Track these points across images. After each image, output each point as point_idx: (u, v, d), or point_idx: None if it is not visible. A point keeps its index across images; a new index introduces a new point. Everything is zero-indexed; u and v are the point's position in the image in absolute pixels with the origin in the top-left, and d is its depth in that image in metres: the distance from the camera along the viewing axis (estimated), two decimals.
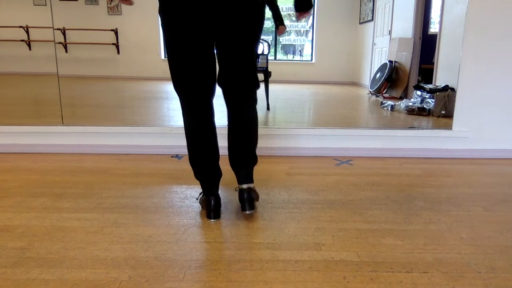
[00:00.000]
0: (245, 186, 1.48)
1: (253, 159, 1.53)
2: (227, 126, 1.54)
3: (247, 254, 1.22)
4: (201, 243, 1.29)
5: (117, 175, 1.98)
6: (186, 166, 2.16)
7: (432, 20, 3.59)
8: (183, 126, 1.48)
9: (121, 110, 3.69)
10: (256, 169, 2.11)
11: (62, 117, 2.56)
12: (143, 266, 1.14)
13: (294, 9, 1.60)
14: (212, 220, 1.47)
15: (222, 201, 1.65)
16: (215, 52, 1.43)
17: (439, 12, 3.17)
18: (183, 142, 2.42)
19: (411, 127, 2.63)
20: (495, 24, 2.30)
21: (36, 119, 3.16)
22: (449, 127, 2.47)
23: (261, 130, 2.31)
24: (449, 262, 1.19)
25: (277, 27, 3.11)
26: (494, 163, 2.32)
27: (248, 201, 1.46)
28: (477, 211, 1.60)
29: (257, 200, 1.59)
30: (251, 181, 1.51)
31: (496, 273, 1.14)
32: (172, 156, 2.35)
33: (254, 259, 1.19)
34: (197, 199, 1.68)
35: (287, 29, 4.58)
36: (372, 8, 4.38)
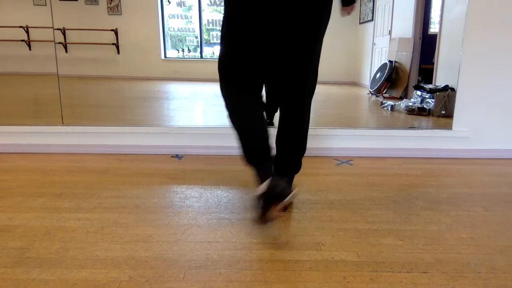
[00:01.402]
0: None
1: (298, 168, 1.53)
2: (277, 128, 1.47)
3: (247, 254, 1.22)
4: (201, 243, 1.29)
5: (117, 175, 1.98)
6: (186, 166, 2.16)
7: (432, 20, 3.59)
8: (229, 118, 1.38)
9: (121, 110, 3.69)
10: None
11: (62, 117, 2.56)
12: (143, 266, 1.14)
13: (340, 4, 1.56)
14: (288, 198, 1.24)
15: (222, 202, 1.65)
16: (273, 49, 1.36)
17: (439, 12, 3.17)
18: (183, 142, 2.44)
19: (411, 127, 2.63)
20: (495, 24, 2.30)
21: (36, 119, 3.16)
22: (449, 127, 2.47)
23: None
24: (449, 262, 1.19)
25: (343, 5, 2.88)
26: (494, 163, 2.32)
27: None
28: (477, 211, 1.60)
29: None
30: (290, 190, 1.38)
31: (496, 273, 1.14)
32: (172, 156, 2.35)
33: (254, 259, 1.19)
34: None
35: None
36: (372, 8, 4.38)
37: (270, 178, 1.25)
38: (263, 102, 1.42)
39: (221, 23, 1.35)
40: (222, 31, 1.34)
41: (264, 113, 1.40)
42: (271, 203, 1.21)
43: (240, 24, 1.29)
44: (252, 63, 1.34)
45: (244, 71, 1.34)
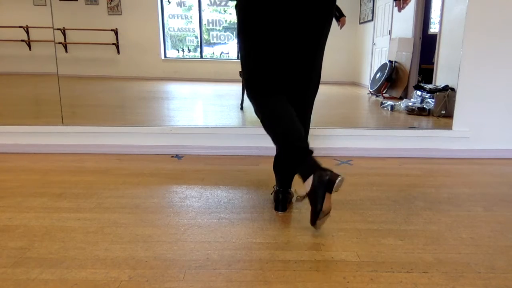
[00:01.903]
0: (281, 190, 1.56)
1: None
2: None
3: (247, 254, 1.22)
4: (201, 243, 1.29)
5: (117, 175, 1.98)
6: (186, 166, 2.16)
7: (432, 20, 3.59)
8: (262, 125, 1.41)
9: (121, 110, 3.69)
10: (257, 169, 2.11)
11: (62, 117, 2.56)
12: (143, 266, 1.14)
13: None
14: (338, 181, 1.24)
15: (222, 202, 1.65)
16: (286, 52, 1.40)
17: (439, 12, 3.17)
18: (183, 142, 2.44)
19: (411, 127, 2.63)
20: (495, 24, 2.30)
21: (36, 119, 3.16)
22: (449, 127, 2.47)
23: (261, 130, 2.31)
24: (449, 262, 1.19)
25: (337, 19, 2.96)
26: (494, 163, 2.32)
27: (281, 202, 1.55)
28: (477, 211, 1.60)
29: (290, 202, 1.63)
30: (289, 186, 1.59)
31: (496, 273, 1.14)
32: (172, 156, 2.35)
33: (254, 259, 1.19)
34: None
35: None
36: (372, 8, 4.37)
37: (314, 172, 1.25)
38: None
39: (237, 38, 1.40)
40: (242, 47, 1.39)
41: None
42: (325, 192, 1.24)
43: (258, 37, 1.34)
44: (275, 70, 1.39)
45: (269, 79, 1.39)
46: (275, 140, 1.39)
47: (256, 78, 1.41)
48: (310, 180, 1.26)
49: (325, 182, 1.23)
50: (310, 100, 1.51)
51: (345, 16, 2.93)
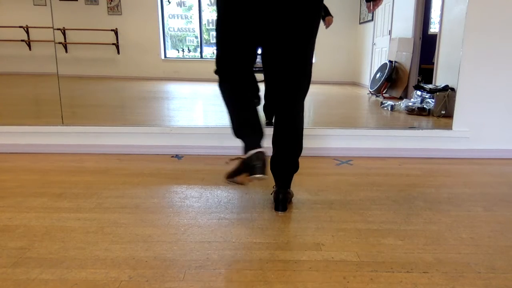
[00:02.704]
0: (281, 191, 1.56)
1: (295, 168, 1.57)
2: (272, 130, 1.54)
3: (247, 254, 1.22)
4: (201, 243, 1.29)
5: (117, 175, 1.98)
6: (186, 166, 2.16)
7: (432, 20, 3.59)
8: (222, 97, 1.46)
9: (121, 110, 3.69)
10: None
11: (62, 117, 2.56)
12: (143, 266, 1.14)
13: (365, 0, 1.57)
14: (260, 176, 1.34)
15: (222, 202, 1.65)
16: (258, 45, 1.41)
17: (439, 12, 3.17)
18: (183, 142, 2.44)
19: (411, 127, 2.63)
20: (495, 24, 2.30)
21: (36, 119, 3.16)
22: (449, 127, 2.47)
23: None
24: (449, 262, 1.19)
25: (323, 19, 2.96)
26: (494, 163, 2.32)
27: (281, 202, 1.56)
28: (477, 211, 1.60)
29: (290, 201, 1.64)
30: (288, 186, 1.59)
31: (496, 273, 1.14)
32: (172, 156, 2.35)
33: (254, 259, 1.19)
34: (227, 162, 1.53)
35: None
36: None
37: (254, 151, 1.36)
38: (254, 96, 1.48)
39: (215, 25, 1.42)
40: (216, 32, 1.42)
41: (259, 108, 1.51)
42: (244, 171, 1.38)
43: (231, 27, 1.36)
44: (242, 58, 1.41)
45: (236, 65, 1.42)
46: (228, 114, 1.47)
47: (223, 61, 1.43)
48: (247, 154, 1.37)
49: (250, 166, 1.35)
50: (299, 101, 1.51)
51: (331, 16, 3.00)
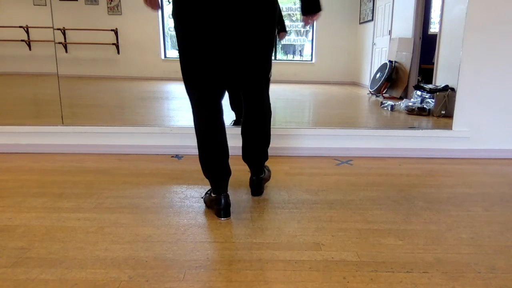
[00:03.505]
0: (254, 177, 1.71)
1: (264, 157, 1.68)
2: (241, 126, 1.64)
3: (247, 254, 1.22)
4: (201, 243, 1.29)
5: (117, 175, 1.98)
6: (186, 166, 2.16)
7: (432, 20, 3.59)
8: (193, 125, 1.50)
9: (121, 110, 3.69)
10: None
11: (62, 117, 2.56)
12: (143, 266, 1.14)
13: (301, 12, 1.55)
14: (223, 218, 1.49)
15: None
16: (227, 53, 1.43)
17: (439, 12, 3.17)
18: (183, 142, 2.44)
19: (411, 127, 2.63)
20: (495, 24, 2.30)
21: (36, 119, 3.16)
22: (449, 127, 2.47)
23: None
24: (449, 262, 1.19)
25: (278, 32, 3.19)
26: (494, 163, 2.32)
27: (257, 188, 1.71)
28: (477, 211, 1.60)
29: (266, 182, 1.82)
30: (261, 173, 1.72)
31: (496, 273, 1.14)
32: (172, 156, 2.35)
33: (254, 259, 1.19)
34: (202, 197, 1.69)
35: (287, 28, 4.59)
36: (372, 8, 4.38)
37: (218, 196, 1.50)
38: (222, 114, 1.52)
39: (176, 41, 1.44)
40: (180, 59, 1.44)
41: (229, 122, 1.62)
42: (212, 208, 1.55)
43: (193, 51, 1.37)
44: (208, 73, 1.42)
45: (204, 82, 1.43)
46: (199, 145, 1.51)
47: (191, 76, 1.45)
48: (213, 197, 1.52)
49: (216, 209, 1.51)
50: (263, 94, 1.58)
51: (285, 32, 3.40)
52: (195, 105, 1.47)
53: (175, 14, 1.35)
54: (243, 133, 1.64)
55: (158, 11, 1.45)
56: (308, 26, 1.63)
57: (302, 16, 1.55)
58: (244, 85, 1.54)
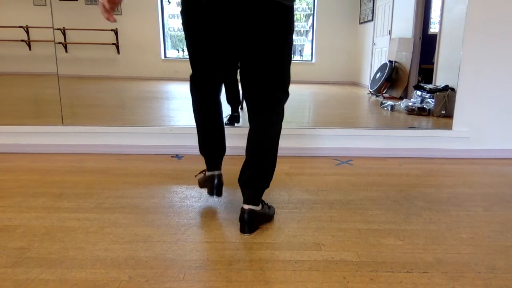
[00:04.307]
0: (246, 207, 1.35)
1: (262, 182, 1.37)
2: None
3: (247, 254, 1.22)
4: (201, 243, 1.29)
5: (117, 175, 1.98)
6: (186, 166, 2.16)
7: (432, 20, 3.59)
8: (192, 107, 1.53)
9: (121, 110, 3.69)
10: None
11: (62, 117, 2.56)
12: (143, 266, 1.14)
13: None
14: (215, 196, 1.56)
15: (222, 202, 1.65)
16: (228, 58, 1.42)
17: (439, 12, 3.17)
18: (183, 142, 2.44)
19: (411, 127, 2.63)
20: (495, 24, 2.30)
21: (36, 119, 3.16)
22: (449, 127, 2.46)
23: None
24: (449, 262, 1.19)
25: None
26: (494, 163, 2.32)
27: (247, 223, 1.35)
28: (477, 211, 1.60)
29: (261, 221, 1.43)
30: (255, 203, 1.36)
31: (496, 273, 1.14)
32: (172, 156, 2.35)
33: (254, 259, 1.19)
34: (195, 176, 1.74)
35: None
36: (372, 8, 4.37)
37: (211, 173, 1.54)
38: (220, 103, 1.54)
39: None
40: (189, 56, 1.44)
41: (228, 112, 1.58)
42: (205, 187, 1.61)
43: (195, 51, 1.37)
44: (210, 72, 1.42)
45: (205, 78, 1.44)
46: (196, 121, 1.55)
47: (197, 77, 1.46)
48: (208, 174, 1.56)
49: (208, 186, 1.55)
50: (275, 108, 1.38)
51: None
52: (194, 84, 1.49)
53: (182, 12, 1.34)
54: (246, 149, 1.39)
55: (113, 22, 1.43)
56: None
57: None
58: (251, 96, 1.37)
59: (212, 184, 1.53)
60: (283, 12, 1.22)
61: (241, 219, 1.36)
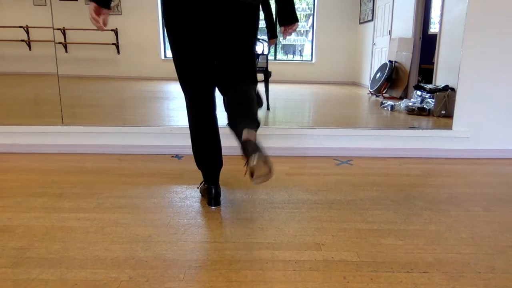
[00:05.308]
0: (245, 132, 1.29)
1: (256, 121, 1.39)
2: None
3: (247, 254, 1.22)
4: (201, 243, 1.29)
5: (117, 175, 1.98)
6: (186, 166, 2.16)
7: (432, 20, 3.59)
8: (187, 118, 1.54)
9: (121, 110, 3.69)
10: None
11: (62, 117, 2.56)
12: (143, 266, 1.14)
13: (278, 23, 1.61)
14: (213, 207, 1.58)
15: (222, 202, 1.65)
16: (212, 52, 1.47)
17: (439, 12, 3.17)
18: (183, 142, 2.44)
19: (411, 127, 2.63)
20: (495, 24, 2.30)
21: (36, 119, 3.16)
22: (449, 127, 2.47)
23: (261, 130, 2.32)
24: (449, 262, 1.19)
25: (269, 38, 3.22)
26: (494, 163, 2.32)
27: (248, 144, 1.27)
28: (477, 211, 1.60)
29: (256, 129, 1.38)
30: (255, 124, 1.36)
31: (496, 273, 1.14)
32: (172, 156, 2.35)
33: (254, 259, 1.19)
34: (197, 188, 1.78)
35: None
36: (372, 8, 4.37)
37: (209, 186, 1.59)
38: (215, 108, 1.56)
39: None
40: (173, 59, 1.47)
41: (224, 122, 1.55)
42: (204, 196, 1.65)
43: (183, 51, 1.42)
44: (199, 72, 1.45)
45: (196, 79, 1.47)
46: (192, 137, 1.57)
47: (183, 73, 1.47)
48: (206, 186, 1.61)
49: (207, 198, 1.60)
50: (248, 82, 1.51)
51: (275, 38, 3.34)
52: (189, 99, 1.51)
53: (163, 15, 1.40)
54: (229, 111, 1.49)
55: (103, 30, 1.48)
56: (286, 36, 1.62)
57: (280, 28, 1.61)
58: (227, 83, 1.51)
59: (210, 196, 1.59)
60: (252, 9, 1.41)
61: (254, 167, 1.23)
